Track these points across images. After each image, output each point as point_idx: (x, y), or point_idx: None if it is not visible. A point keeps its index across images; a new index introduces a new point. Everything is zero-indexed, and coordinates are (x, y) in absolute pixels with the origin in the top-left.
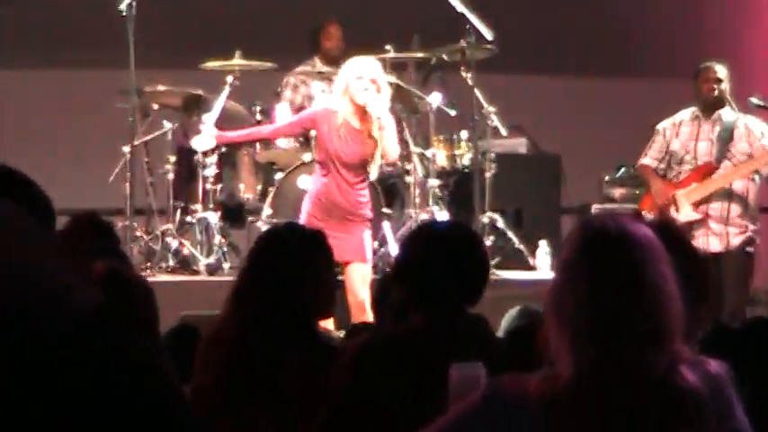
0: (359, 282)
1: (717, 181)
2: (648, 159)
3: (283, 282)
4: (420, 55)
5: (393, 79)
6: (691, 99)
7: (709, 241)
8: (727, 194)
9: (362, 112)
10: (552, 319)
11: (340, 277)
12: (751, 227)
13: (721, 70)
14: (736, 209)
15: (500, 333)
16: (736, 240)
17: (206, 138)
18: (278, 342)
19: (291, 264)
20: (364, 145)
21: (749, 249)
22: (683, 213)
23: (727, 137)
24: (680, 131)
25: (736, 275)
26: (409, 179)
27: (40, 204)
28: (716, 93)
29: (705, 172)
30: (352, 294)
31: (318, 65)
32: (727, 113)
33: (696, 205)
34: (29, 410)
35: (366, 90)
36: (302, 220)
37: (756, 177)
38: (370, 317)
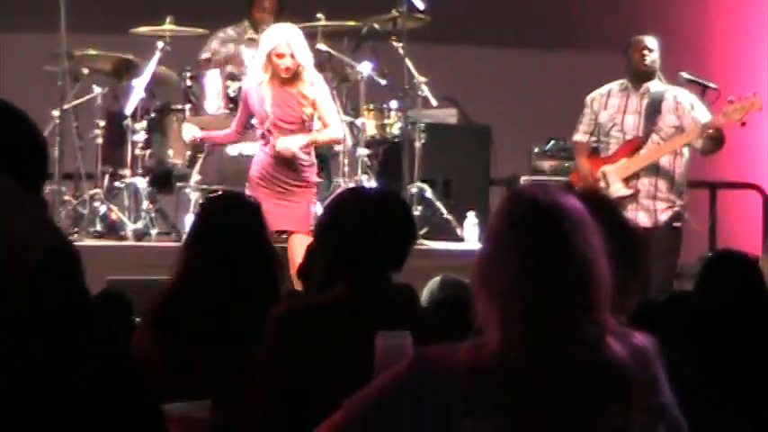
0: (300, 253)
1: (646, 157)
2: (580, 135)
3: (224, 254)
4: (351, 24)
5: (324, 47)
6: (623, 72)
7: (637, 216)
8: (655, 169)
9: (294, 74)
10: (481, 290)
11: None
12: (678, 201)
13: (652, 42)
14: (663, 184)
15: (423, 303)
16: (663, 216)
17: (193, 130)
18: (223, 314)
19: (231, 236)
20: (299, 105)
21: (676, 224)
22: (614, 189)
23: (655, 110)
24: (608, 103)
25: (664, 250)
26: (338, 148)
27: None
28: (646, 62)
29: (633, 147)
30: (293, 265)
31: (249, 31)
32: (656, 86)
33: (626, 181)
34: None
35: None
36: (249, 189)
37: (685, 150)
38: None
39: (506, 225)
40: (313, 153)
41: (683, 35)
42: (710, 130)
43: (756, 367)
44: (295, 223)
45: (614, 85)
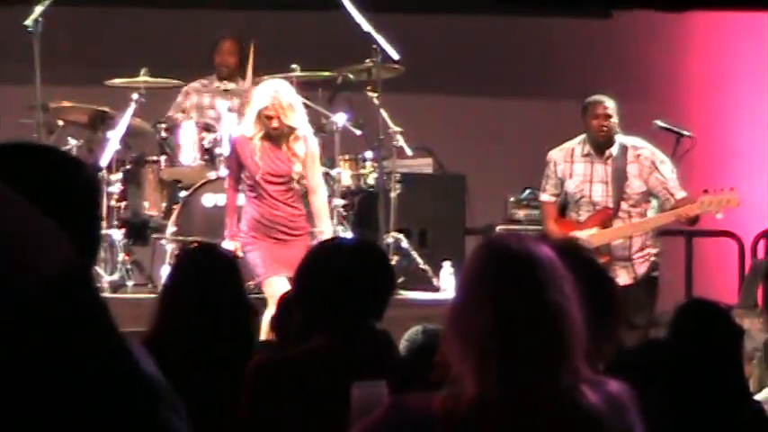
0: None
1: (620, 232)
2: (547, 196)
3: (200, 305)
4: (326, 74)
5: (299, 98)
6: None
7: (617, 275)
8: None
9: (287, 131)
10: (455, 339)
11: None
12: (653, 251)
13: (610, 107)
14: (637, 242)
15: (402, 352)
16: (641, 269)
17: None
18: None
19: (207, 286)
20: (288, 162)
21: (654, 274)
22: None
23: (621, 177)
24: (573, 171)
25: (644, 301)
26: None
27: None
28: (604, 131)
29: (604, 217)
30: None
31: (215, 82)
32: (618, 148)
33: (597, 249)
34: None
35: (287, 108)
36: (243, 240)
37: (654, 202)
38: None
39: (480, 273)
40: (300, 204)
41: (658, 82)
42: (681, 221)
43: (727, 413)
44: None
45: (576, 147)
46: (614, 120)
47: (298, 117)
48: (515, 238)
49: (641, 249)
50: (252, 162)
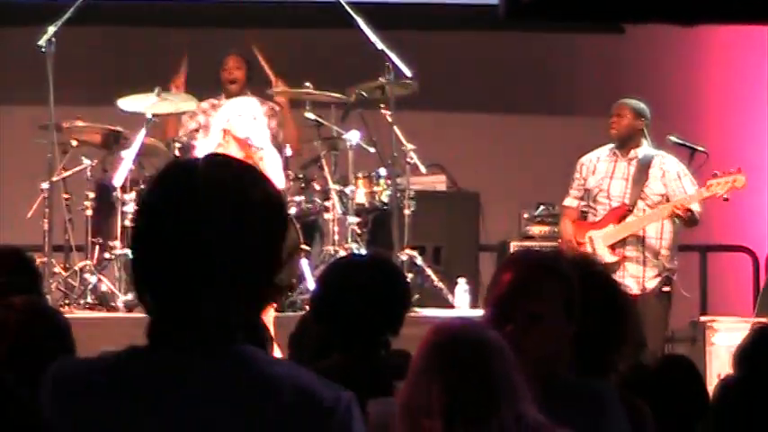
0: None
1: (632, 225)
2: (570, 199)
3: None
4: (339, 92)
5: (312, 116)
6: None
7: (626, 283)
8: (642, 237)
9: (246, 147)
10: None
11: None
12: (667, 266)
13: (635, 106)
14: (651, 250)
15: None
16: (650, 284)
17: None
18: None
19: None
20: None
21: (666, 289)
22: (600, 255)
23: (642, 177)
24: (596, 168)
25: (654, 317)
26: (328, 216)
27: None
28: (613, 129)
29: (620, 214)
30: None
31: (223, 100)
32: (645, 151)
33: (612, 248)
34: None
35: (248, 125)
36: None
37: (677, 219)
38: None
39: (429, 364)
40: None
41: (672, 97)
42: (685, 212)
43: None
44: None
45: (605, 150)
46: (626, 120)
47: (256, 131)
48: (461, 326)
49: (656, 261)
50: None
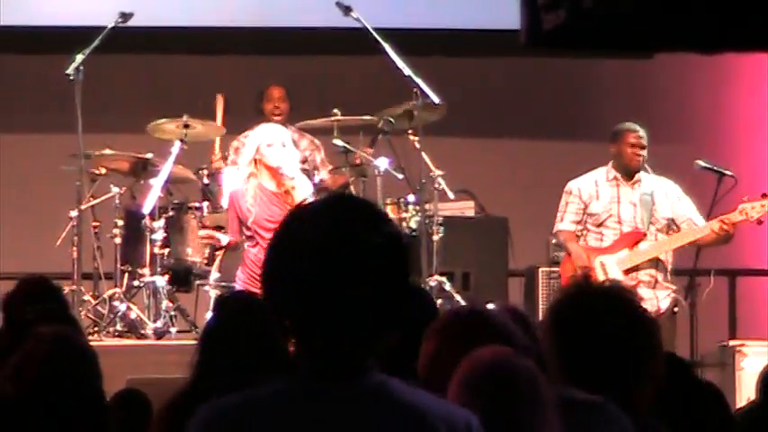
0: None
1: (651, 250)
2: (566, 224)
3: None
4: (367, 118)
5: (340, 143)
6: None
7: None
8: (655, 260)
9: (277, 176)
10: None
11: None
12: (674, 287)
13: (644, 134)
14: (662, 273)
15: None
16: (664, 304)
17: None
18: None
19: (248, 336)
20: (285, 205)
21: (675, 310)
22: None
23: (649, 201)
24: (599, 194)
25: (666, 337)
26: None
27: None
28: (640, 160)
29: (635, 239)
30: None
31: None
32: (645, 176)
33: (626, 272)
34: None
35: (279, 153)
36: (239, 287)
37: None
38: None
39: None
40: None
41: (700, 123)
42: (723, 230)
43: None
44: None
45: (600, 174)
46: (646, 150)
47: (288, 160)
48: (497, 359)
49: (666, 283)
50: (250, 209)
